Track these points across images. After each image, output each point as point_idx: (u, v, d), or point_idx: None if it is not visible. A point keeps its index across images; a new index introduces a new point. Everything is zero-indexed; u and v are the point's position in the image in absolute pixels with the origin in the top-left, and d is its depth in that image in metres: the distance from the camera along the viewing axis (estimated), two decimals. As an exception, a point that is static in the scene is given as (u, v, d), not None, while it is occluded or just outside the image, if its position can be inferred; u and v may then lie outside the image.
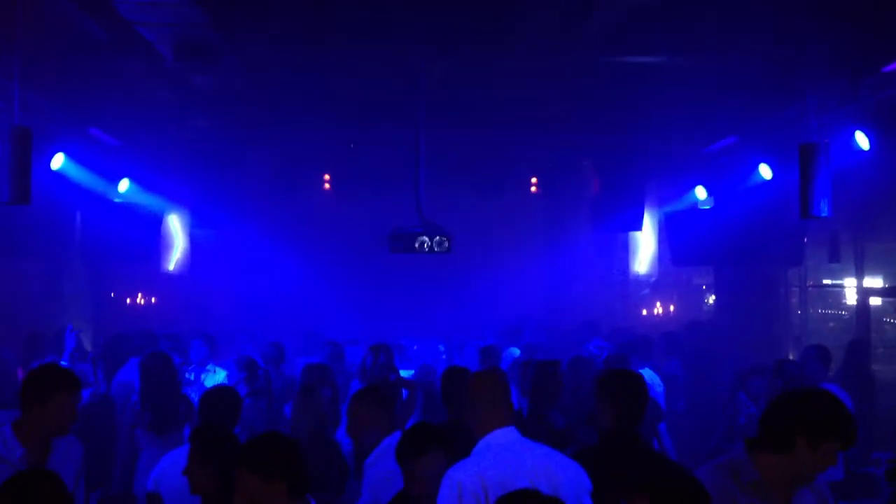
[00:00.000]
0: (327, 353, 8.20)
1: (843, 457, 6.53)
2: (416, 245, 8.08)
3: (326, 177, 11.92)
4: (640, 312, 13.93)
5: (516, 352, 9.07)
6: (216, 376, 7.70)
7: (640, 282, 13.71)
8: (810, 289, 12.62)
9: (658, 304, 14.02)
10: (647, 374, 7.34)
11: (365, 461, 4.48)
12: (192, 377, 7.71)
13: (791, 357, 9.61)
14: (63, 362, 7.33)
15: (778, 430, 3.12)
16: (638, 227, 11.61)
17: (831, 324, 14.43)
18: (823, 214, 6.45)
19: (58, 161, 8.97)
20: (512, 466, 3.37)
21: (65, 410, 4.01)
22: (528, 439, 3.62)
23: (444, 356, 9.33)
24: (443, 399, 5.47)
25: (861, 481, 6.72)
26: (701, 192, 10.89)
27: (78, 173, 9.59)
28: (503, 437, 3.52)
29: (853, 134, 7.58)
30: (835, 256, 10.97)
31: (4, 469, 3.78)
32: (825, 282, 12.94)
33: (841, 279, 12.50)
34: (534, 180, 12.35)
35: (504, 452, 3.46)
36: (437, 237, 8.10)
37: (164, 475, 4.74)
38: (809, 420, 3.09)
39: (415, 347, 9.40)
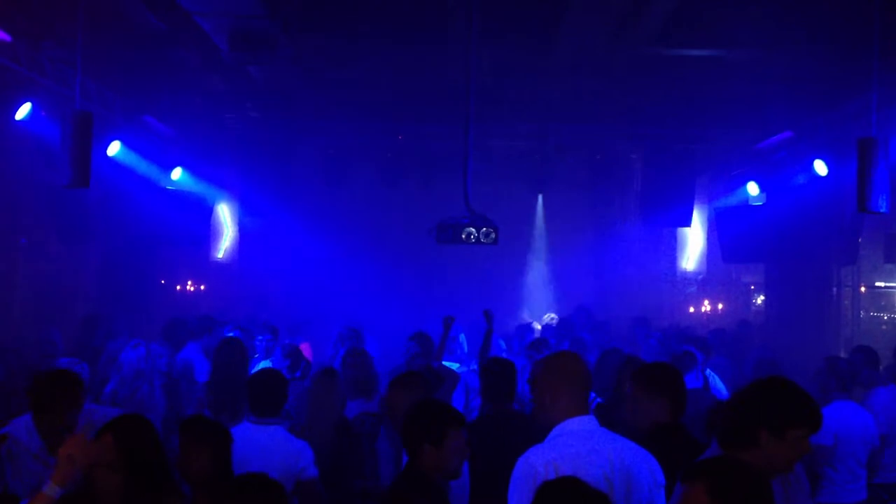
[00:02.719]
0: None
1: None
2: (463, 236, 8.05)
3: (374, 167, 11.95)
4: (688, 310, 13.79)
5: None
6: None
7: (687, 279, 13.57)
8: (863, 290, 12.37)
9: (706, 302, 13.87)
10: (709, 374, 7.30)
11: None
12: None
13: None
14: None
15: (738, 427, 3.03)
16: (687, 222, 11.46)
17: (884, 326, 14.14)
18: (881, 210, 6.31)
19: (114, 148, 9.16)
20: (588, 455, 3.30)
21: (52, 424, 3.89)
22: (606, 429, 3.51)
23: (504, 350, 9.26)
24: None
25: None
26: (753, 188, 10.70)
27: (133, 160, 9.79)
28: (581, 424, 3.43)
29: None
30: (891, 256, 10.74)
31: (25, 457, 3.88)
32: (878, 284, 12.67)
33: (894, 281, 12.24)
34: (582, 173, 12.25)
35: (581, 440, 3.37)
36: (485, 228, 8.07)
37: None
38: (766, 411, 2.99)
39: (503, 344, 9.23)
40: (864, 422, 5.98)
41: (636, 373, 4.36)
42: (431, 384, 4.76)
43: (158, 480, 3.30)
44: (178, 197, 10.98)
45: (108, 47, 7.40)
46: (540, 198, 12.17)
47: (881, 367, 7.17)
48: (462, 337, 9.61)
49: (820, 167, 9.20)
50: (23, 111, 7.38)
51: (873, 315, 14.09)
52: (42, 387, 4.02)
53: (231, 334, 7.48)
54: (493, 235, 8.10)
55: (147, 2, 6.92)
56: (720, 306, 13.96)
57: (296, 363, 7.19)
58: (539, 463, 3.28)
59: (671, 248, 13.30)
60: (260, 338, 7.92)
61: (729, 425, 3.08)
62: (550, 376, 3.54)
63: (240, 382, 6.24)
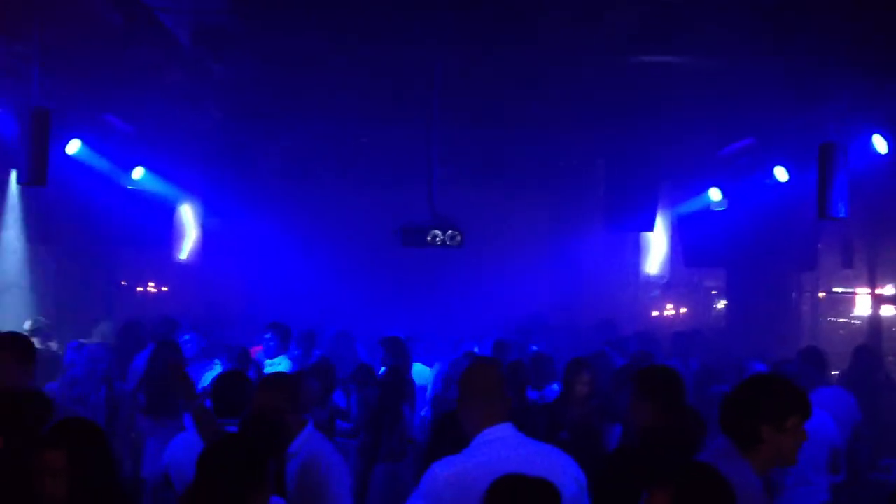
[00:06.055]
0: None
1: (846, 458, 6.45)
2: (428, 239, 8.06)
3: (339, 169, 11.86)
4: (651, 314, 13.90)
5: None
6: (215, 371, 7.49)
7: (650, 283, 13.68)
8: (822, 296, 12.55)
9: (669, 305, 14.00)
10: None
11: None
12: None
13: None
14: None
15: (742, 429, 3.15)
16: (650, 227, 11.55)
17: (842, 331, 14.37)
18: (841, 216, 6.41)
19: (73, 146, 8.99)
20: (504, 461, 3.24)
21: None
22: (524, 435, 3.50)
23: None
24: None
25: (870, 487, 6.67)
26: (715, 194, 10.82)
27: (92, 159, 9.62)
28: (499, 432, 3.42)
29: (870, 137, 7.53)
30: (848, 262, 10.91)
31: None
32: (836, 289, 12.87)
33: (853, 287, 12.43)
34: (546, 178, 12.27)
35: (498, 448, 3.38)
36: (449, 231, 8.09)
37: (174, 458, 4.76)
38: (763, 406, 3.15)
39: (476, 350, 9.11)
40: (821, 422, 5.90)
41: (632, 376, 4.38)
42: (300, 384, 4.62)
43: (105, 486, 3.23)
44: (140, 197, 10.82)
45: (66, 43, 7.24)
46: (505, 203, 12.17)
47: (834, 371, 7.23)
48: (476, 348, 9.44)
49: (780, 174, 9.33)
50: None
51: (831, 320, 14.32)
52: None
53: (187, 336, 7.34)
54: (458, 238, 8.12)
55: (108, -4, 6.79)
56: (683, 310, 14.09)
57: (244, 367, 7.08)
58: (442, 475, 3.30)
59: (635, 253, 13.39)
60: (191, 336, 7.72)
61: (733, 425, 3.20)
62: (467, 385, 3.53)
63: (172, 382, 6.11)
